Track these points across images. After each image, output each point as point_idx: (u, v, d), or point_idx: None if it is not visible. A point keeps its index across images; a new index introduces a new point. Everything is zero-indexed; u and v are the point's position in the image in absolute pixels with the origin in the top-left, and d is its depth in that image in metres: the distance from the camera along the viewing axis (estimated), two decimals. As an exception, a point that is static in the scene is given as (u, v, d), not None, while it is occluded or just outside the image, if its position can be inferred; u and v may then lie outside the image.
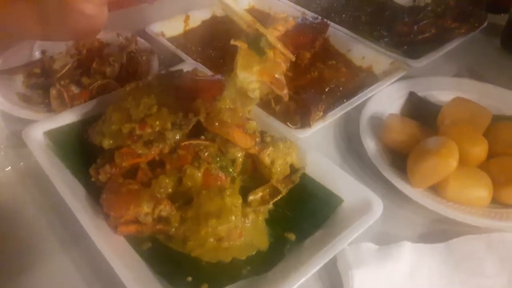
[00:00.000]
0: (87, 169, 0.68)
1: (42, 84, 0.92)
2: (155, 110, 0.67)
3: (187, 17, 1.17)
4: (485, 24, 1.20)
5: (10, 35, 0.75)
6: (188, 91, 0.71)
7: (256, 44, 0.54)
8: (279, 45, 0.56)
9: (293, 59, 0.59)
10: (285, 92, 0.56)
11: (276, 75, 0.55)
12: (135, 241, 0.62)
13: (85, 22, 0.58)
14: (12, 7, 0.64)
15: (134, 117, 0.67)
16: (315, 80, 1.01)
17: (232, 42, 0.55)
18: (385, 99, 0.93)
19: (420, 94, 0.97)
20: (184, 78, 0.76)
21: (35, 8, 0.61)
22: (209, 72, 0.89)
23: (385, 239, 0.68)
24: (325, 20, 1.10)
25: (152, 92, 0.70)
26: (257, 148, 0.69)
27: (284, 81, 0.56)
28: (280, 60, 0.56)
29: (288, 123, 0.84)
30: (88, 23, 0.59)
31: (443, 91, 0.98)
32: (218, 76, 0.78)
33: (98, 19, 0.59)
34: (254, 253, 0.62)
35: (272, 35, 0.55)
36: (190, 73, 0.79)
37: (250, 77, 0.54)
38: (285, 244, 0.64)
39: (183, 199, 0.64)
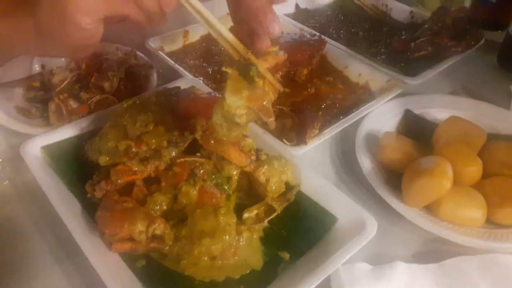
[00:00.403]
0: (83, 185, 0.68)
1: (41, 98, 0.93)
2: (151, 128, 0.68)
3: (186, 32, 1.18)
4: (482, 42, 1.21)
5: (6, 50, 0.75)
6: (184, 109, 0.71)
7: (246, 72, 0.55)
8: (269, 76, 0.56)
9: (281, 90, 0.60)
10: (271, 120, 0.56)
11: (264, 103, 0.55)
12: (129, 259, 0.62)
13: (81, 36, 0.59)
14: (8, 21, 0.64)
15: (131, 135, 0.68)
16: (312, 96, 1.02)
17: (224, 68, 0.55)
18: (381, 117, 0.94)
19: (416, 111, 0.97)
20: (181, 96, 0.76)
21: (31, 23, 0.62)
22: (206, 89, 0.90)
23: (378, 258, 0.68)
24: (323, 37, 1.11)
25: (148, 109, 0.70)
26: (252, 166, 0.70)
27: (272, 110, 0.56)
28: (268, 89, 0.56)
29: (284, 140, 0.84)
30: (83, 37, 0.59)
31: (439, 108, 0.99)
32: (215, 94, 0.78)
33: (93, 33, 0.59)
34: (248, 272, 0.62)
35: (262, 65, 0.55)
36: (187, 90, 0.80)
37: (238, 102, 0.54)
38: (279, 263, 0.64)
39: (178, 217, 0.64)
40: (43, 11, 0.59)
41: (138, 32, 1.11)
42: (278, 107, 0.90)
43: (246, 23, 0.60)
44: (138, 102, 0.73)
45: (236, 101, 0.53)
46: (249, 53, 0.55)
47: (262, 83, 0.55)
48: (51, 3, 0.56)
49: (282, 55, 0.59)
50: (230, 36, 0.55)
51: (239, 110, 0.54)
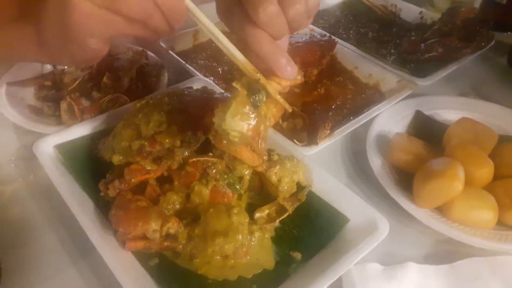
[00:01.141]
0: (96, 184, 0.69)
1: (53, 97, 0.94)
2: (165, 128, 0.68)
3: (196, 32, 1.18)
4: (492, 43, 1.20)
5: (10, 56, 0.75)
6: (197, 109, 0.72)
7: (255, 90, 0.55)
8: (278, 97, 0.56)
9: (290, 110, 0.59)
10: (262, 147, 0.58)
11: (260, 130, 0.56)
12: (143, 257, 0.62)
13: (87, 54, 0.59)
14: (11, 29, 0.64)
15: (144, 134, 0.68)
16: (322, 96, 1.02)
17: (234, 84, 0.55)
18: (392, 117, 0.94)
19: (426, 113, 0.97)
20: (194, 96, 0.77)
21: (36, 32, 0.62)
22: (217, 88, 0.90)
23: (390, 259, 0.69)
24: (333, 37, 1.11)
25: (162, 109, 0.71)
26: (264, 167, 0.70)
27: (266, 136, 0.57)
28: (271, 114, 0.57)
29: (295, 140, 0.85)
30: (89, 55, 0.60)
31: (450, 110, 0.99)
32: (227, 94, 0.79)
33: (99, 52, 0.59)
34: (260, 271, 0.63)
35: (272, 86, 0.55)
36: (199, 90, 0.80)
37: (236, 128, 0.54)
38: (291, 263, 0.64)
39: (191, 216, 0.65)
40: (50, 29, 0.58)
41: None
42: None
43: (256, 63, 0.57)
44: (151, 102, 0.74)
45: (234, 126, 0.54)
46: (259, 74, 0.54)
47: (266, 109, 0.55)
48: (58, 24, 0.55)
49: (299, 80, 0.58)
50: (240, 56, 0.54)
51: (234, 133, 0.54)
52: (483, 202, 0.73)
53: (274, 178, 0.70)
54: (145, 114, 0.71)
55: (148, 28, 0.54)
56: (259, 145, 0.59)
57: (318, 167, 0.75)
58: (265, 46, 0.53)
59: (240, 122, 0.54)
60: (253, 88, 0.55)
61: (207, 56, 1.14)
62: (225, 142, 0.68)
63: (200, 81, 0.93)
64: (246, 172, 0.70)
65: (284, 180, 0.70)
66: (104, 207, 0.67)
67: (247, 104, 0.55)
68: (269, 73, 0.56)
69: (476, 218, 0.72)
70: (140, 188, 0.67)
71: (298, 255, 0.65)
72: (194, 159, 0.69)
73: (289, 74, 0.55)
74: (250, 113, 0.55)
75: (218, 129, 0.57)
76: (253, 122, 0.56)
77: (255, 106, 0.55)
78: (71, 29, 0.53)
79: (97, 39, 0.56)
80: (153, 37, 0.57)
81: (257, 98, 0.55)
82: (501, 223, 0.74)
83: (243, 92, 0.55)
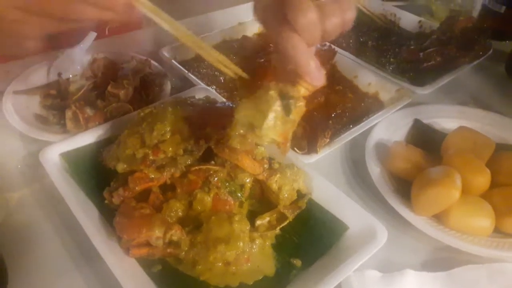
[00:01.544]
0: (101, 191, 0.70)
1: (58, 105, 0.96)
2: (168, 137, 0.70)
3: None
4: (490, 52, 1.22)
5: None
6: (200, 118, 0.73)
7: (287, 100, 0.57)
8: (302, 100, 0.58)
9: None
10: (287, 148, 0.60)
11: (289, 136, 0.58)
12: (146, 263, 0.64)
13: (27, 52, 0.56)
14: None
15: (148, 143, 0.69)
16: (322, 105, 1.03)
17: (271, 93, 0.56)
18: (391, 126, 0.95)
19: (425, 121, 0.99)
20: (196, 105, 0.78)
21: None
22: (220, 98, 0.92)
23: (388, 266, 0.70)
24: (333, 46, 1.13)
25: (165, 118, 0.72)
26: (265, 175, 0.71)
27: (290, 138, 0.60)
28: (297, 117, 0.59)
29: (295, 148, 0.86)
30: (29, 52, 0.56)
31: (448, 118, 1.01)
32: (229, 104, 0.80)
33: (40, 47, 0.56)
34: (260, 278, 0.64)
35: (298, 91, 0.57)
36: (202, 100, 0.82)
37: (271, 136, 0.57)
38: (291, 270, 0.65)
39: (193, 223, 0.66)
40: None
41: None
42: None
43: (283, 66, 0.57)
44: (154, 111, 0.75)
45: (271, 134, 0.56)
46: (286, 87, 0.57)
47: (295, 113, 0.57)
48: None
49: (324, 82, 0.60)
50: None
51: (268, 139, 0.57)
52: (480, 209, 0.74)
53: (274, 186, 0.71)
54: (149, 123, 0.72)
55: (92, 20, 0.52)
56: (284, 150, 0.61)
57: (318, 175, 0.76)
58: (299, 51, 0.54)
59: (275, 130, 0.57)
60: (284, 95, 0.57)
61: (210, 65, 1.14)
62: (227, 150, 0.70)
63: (202, 90, 0.94)
64: (247, 180, 0.72)
65: (284, 188, 0.72)
66: (108, 214, 0.68)
67: (281, 111, 0.57)
68: (297, 77, 0.57)
69: (473, 225, 0.74)
70: (144, 196, 0.68)
71: (298, 262, 0.66)
72: (196, 167, 0.70)
73: (319, 79, 0.56)
74: (283, 119, 0.57)
75: (236, 124, 0.59)
76: (285, 128, 0.58)
77: (288, 112, 0.57)
78: (5, 36, 0.52)
79: (35, 40, 0.54)
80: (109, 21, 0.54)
81: (290, 104, 0.57)
82: (498, 231, 0.75)
83: (279, 102, 0.57)
